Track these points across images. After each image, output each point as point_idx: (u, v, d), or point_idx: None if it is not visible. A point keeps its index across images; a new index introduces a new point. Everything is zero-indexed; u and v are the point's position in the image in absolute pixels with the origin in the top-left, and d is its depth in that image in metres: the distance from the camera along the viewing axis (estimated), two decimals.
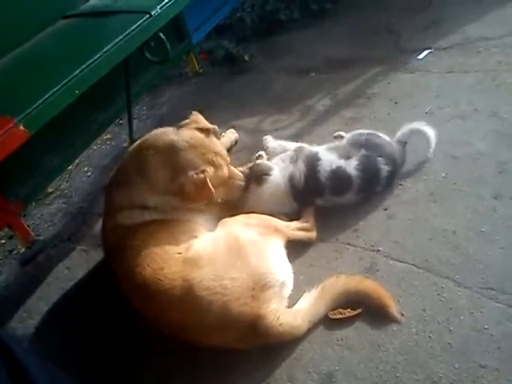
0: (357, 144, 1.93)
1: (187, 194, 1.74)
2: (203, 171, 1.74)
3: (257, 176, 1.95)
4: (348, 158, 1.87)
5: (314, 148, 1.98)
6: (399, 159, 1.96)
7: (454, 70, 2.52)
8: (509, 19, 2.70)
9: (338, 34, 3.24)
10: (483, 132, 2.08)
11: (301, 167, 1.90)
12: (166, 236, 1.69)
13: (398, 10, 3.22)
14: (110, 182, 1.91)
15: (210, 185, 1.73)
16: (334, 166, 1.86)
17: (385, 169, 1.88)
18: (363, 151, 1.88)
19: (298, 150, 1.99)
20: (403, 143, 2.01)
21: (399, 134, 2.02)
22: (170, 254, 1.62)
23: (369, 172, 1.86)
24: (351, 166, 1.85)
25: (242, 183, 1.97)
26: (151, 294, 1.56)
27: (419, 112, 2.32)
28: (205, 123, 1.92)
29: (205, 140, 1.83)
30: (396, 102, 2.45)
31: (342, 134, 2.15)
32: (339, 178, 1.86)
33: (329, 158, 1.89)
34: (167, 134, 1.84)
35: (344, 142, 2.01)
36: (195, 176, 1.73)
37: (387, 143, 1.96)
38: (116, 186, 1.85)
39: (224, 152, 1.90)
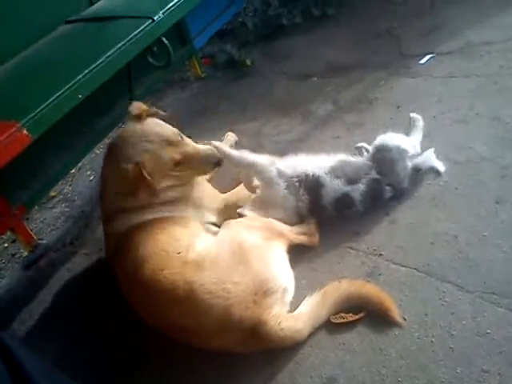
0: (372, 160, 1.91)
1: (130, 187, 1.69)
2: (136, 163, 1.67)
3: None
4: (355, 182, 1.84)
5: (316, 171, 1.88)
6: (407, 186, 1.94)
7: (455, 74, 2.52)
8: (510, 24, 2.70)
9: (340, 38, 3.24)
10: (485, 136, 2.08)
11: (304, 199, 1.88)
12: (165, 235, 1.69)
13: (399, 14, 3.22)
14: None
15: (147, 174, 1.67)
16: (338, 194, 1.84)
17: (389, 194, 1.89)
18: (373, 173, 1.86)
19: (301, 179, 1.89)
20: (418, 170, 1.97)
21: (419, 160, 1.97)
22: (170, 254, 1.62)
23: (374, 195, 1.86)
24: (357, 192, 1.83)
25: (213, 158, 1.85)
26: (151, 295, 1.57)
27: (422, 117, 2.31)
28: (139, 108, 1.82)
29: (137, 128, 1.77)
30: (398, 107, 2.45)
31: (365, 145, 2.09)
32: (343, 202, 1.85)
33: (333, 184, 1.84)
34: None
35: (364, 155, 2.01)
36: (129, 168, 1.67)
37: (402, 167, 1.91)
38: (100, 195, 1.91)
39: (169, 132, 1.79)
